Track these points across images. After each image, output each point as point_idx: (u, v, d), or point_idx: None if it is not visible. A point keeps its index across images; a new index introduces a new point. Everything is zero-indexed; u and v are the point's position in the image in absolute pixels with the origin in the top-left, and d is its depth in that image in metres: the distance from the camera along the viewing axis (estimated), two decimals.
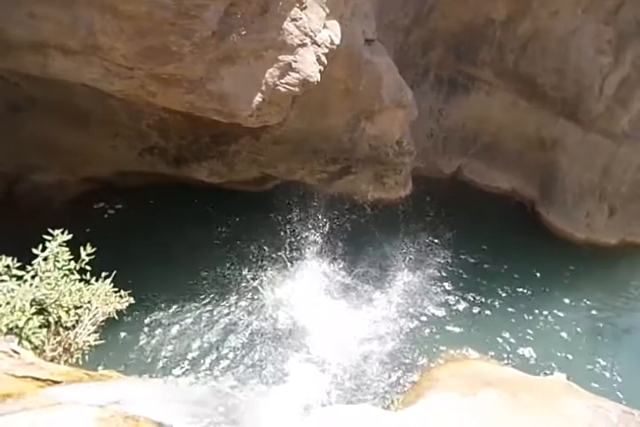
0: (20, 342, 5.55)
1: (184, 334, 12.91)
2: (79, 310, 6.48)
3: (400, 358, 13.34)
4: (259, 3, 11.56)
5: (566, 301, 16.90)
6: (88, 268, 6.65)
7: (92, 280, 6.82)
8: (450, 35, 19.32)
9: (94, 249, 6.68)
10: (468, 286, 16.40)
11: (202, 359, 12.38)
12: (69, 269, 6.46)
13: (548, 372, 13.53)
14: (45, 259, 6.31)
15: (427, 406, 10.22)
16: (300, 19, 12.48)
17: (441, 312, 15.14)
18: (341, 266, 15.84)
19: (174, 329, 12.98)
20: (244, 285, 14.66)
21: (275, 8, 11.88)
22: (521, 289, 16.87)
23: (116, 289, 7.03)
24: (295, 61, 12.87)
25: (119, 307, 6.97)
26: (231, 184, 17.32)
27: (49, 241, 6.38)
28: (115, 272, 7.17)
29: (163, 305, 13.43)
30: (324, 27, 13.24)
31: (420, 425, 9.02)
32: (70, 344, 6.32)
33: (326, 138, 17.14)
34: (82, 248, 6.62)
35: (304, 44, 12.86)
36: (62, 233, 6.47)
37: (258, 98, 12.83)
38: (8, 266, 6.08)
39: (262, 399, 11.07)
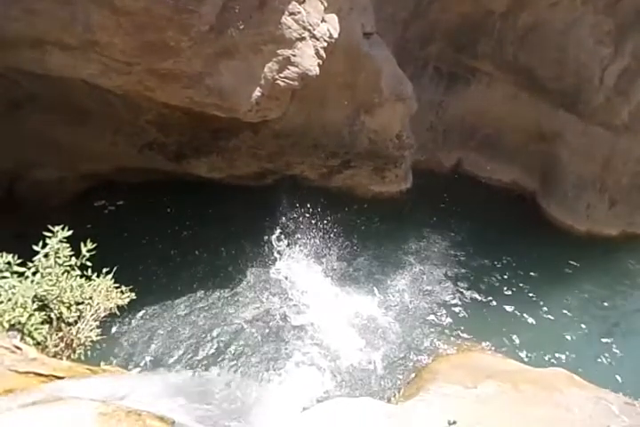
0: (22, 338, 5.59)
1: (186, 329, 12.97)
2: (81, 306, 6.50)
3: (401, 351, 13.40)
4: None
5: (568, 293, 16.91)
6: (89, 264, 6.67)
7: (94, 276, 6.84)
8: (449, 27, 19.21)
9: (95, 245, 6.70)
10: (468, 278, 16.43)
11: (204, 353, 12.44)
12: (70, 266, 6.47)
13: (549, 363, 13.59)
14: (46, 255, 6.32)
15: (427, 398, 10.28)
16: (299, 13, 12.43)
17: (441, 305, 15.17)
18: (342, 259, 15.89)
19: (176, 324, 13.04)
20: (245, 278, 14.71)
21: (273, 2, 11.83)
22: (522, 281, 16.87)
23: (117, 285, 7.06)
24: (294, 55, 12.82)
25: (120, 302, 7.00)
26: (231, 179, 17.31)
27: (49, 237, 6.39)
28: (116, 268, 7.19)
29: (164, 300, 13.48)
30: (323, 20, 13.18)
31: (421, 418, 9.08)
32: (72, 340, 6.35)
33: (326, 132, 17.10)
34: (82, 244, 6.64)
35: (303, 38, 12.81)
36: (63, 229, 6.48)
37: (257, 92, 12.80)
38: (9, 263, 6.09)
39: (263, 392, 11.13)
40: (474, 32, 19.32)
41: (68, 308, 6.32)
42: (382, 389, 12.30)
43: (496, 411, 9.64)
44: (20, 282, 5.98)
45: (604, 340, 15.46)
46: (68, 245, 6.46)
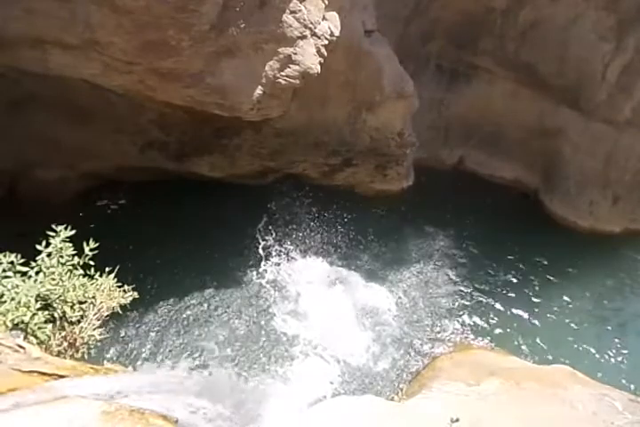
0: (25, 338, 5.59)
1: (188, 328, 12.98)
2: (84, 305, 6.50)
3: (404, 349, 13.40)
4: None
5: (571, 290, 16.89)
6: (92, 263, 6.67)
7: (96, 275, 6.84)
8: (450, 24, 19.18)
9: (97, 244, 6.69)
10: (471, 275, 16.41)
11: (206, 352, 12.45)
12: (73, 265, 6.47)
13: (552, 360, 13.57)
14: (49, 255, 6.31)
15: (430, 396, 10.28)
16: (300, 11, 12.41)
17: (444, 302, 15.17)
18: (344, 257, 15.90)
19: (178, 323, 13.05)
20: (246, 277, 14.71)
21: (274, 1, 11.81)
22: (526, 278, 16.87)
23: (119, 284, 7.05)
24: (295, 53, 12.81)
25: (123, 301, 6.99)
26: (233, 178, 17.29)
27: (52, 237, 6.39)
28: (118, 267, 7.19)
29: (166, 299, 13.49)
30: (324, 18, 13.17)
31: (424, 415, 9.08)
32: (75, 339, 6.35)
33: (327, 130, 17.09)
34: (85, 243, 6.63)
35: (304, 37, 12.79)
36: (65, 229, 6.48)
37: (258, 91, 12.79)
38: (12, 262, 6.09)
39: (266, 390, 11.15)
40: (475, 29, 19.28)
41: (72, 307, 6.32)
42: (385, 387, 12.30)
43: (499, 408, 9.63)
44: (24, 281, 5.98)
45: (606, 337, 15.43)
46: (70, 244, 6.46)
